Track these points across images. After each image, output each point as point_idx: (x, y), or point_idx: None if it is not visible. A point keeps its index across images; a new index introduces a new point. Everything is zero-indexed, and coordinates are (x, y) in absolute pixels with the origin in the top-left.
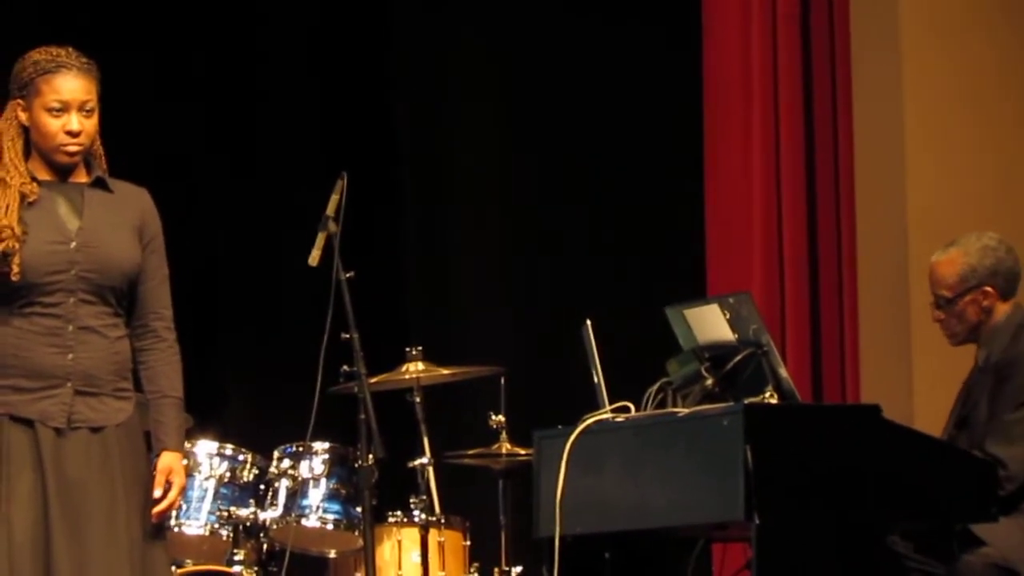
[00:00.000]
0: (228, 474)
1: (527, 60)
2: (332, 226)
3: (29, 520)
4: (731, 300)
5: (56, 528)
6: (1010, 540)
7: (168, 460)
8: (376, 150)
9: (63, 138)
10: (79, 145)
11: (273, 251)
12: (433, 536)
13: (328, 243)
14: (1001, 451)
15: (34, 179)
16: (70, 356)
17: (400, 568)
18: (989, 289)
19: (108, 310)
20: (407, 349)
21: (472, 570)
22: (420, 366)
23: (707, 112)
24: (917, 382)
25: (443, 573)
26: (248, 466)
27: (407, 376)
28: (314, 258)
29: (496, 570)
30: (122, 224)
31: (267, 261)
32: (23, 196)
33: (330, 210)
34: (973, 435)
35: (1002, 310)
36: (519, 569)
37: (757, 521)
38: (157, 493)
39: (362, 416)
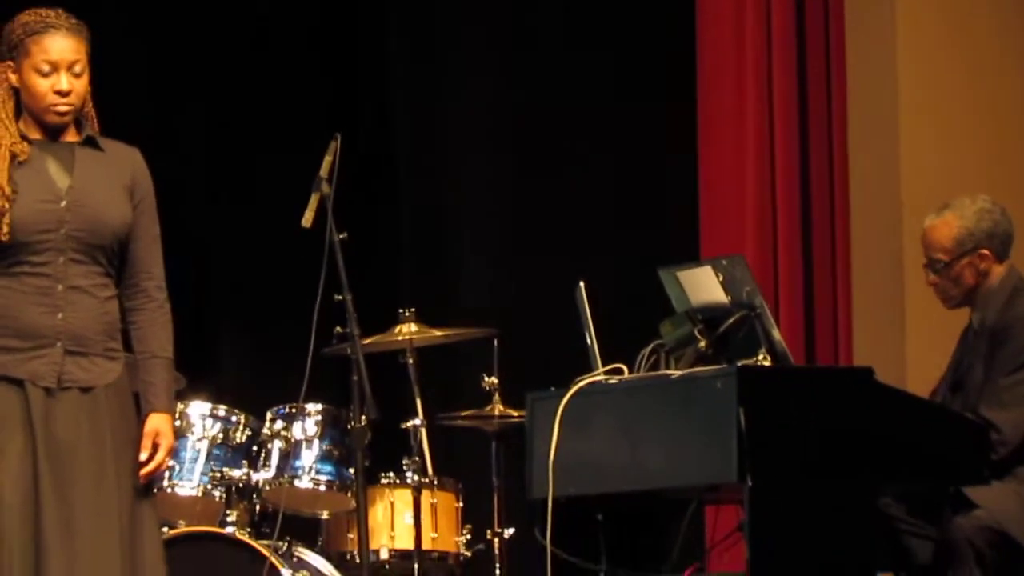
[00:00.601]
0: (221, 435)
1: (523, 24)
2: (325, 187)
3: (20, 481)
4: (724, 262)
5: (45, 488)
6: (1003, 503)
7: (156, 422)
8: (370, 112)
9: (53, 98)
10: (69, 105)
11: (266, 212)
12: (426, 497)
13: (321, 204)
14: (995, 415)
15: (24, 138)
16: (60, 316)
17: (393, 529)
18: (986, 252)
19: (98, 270)
20: (400, 311)
21: (465, 531)
22: (413, 327)
23: (700, 78)
24: (910, 345)
25: (436, 534)
26: (241, 427)
27: (400, 338)
28: (307, 219)
29: (489, 531)
30: (113, 183)
31: (260, 222)
32: (13, 155)
33: (323, 171)
34: (967, 398)
35: (997, 272)
36: (512, 530)
37: (750, 483)
38: (143, 456)
39: (355, 378)
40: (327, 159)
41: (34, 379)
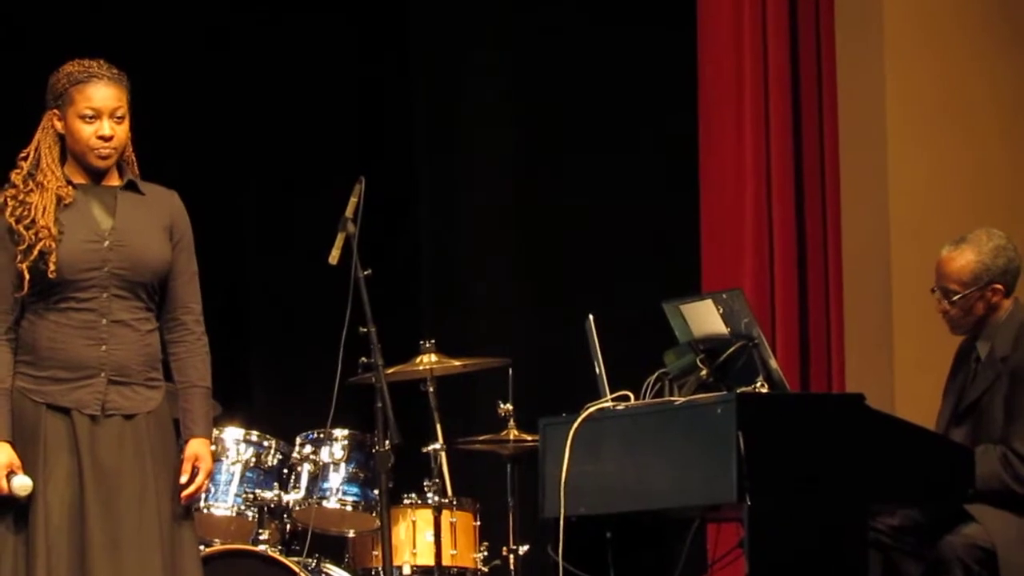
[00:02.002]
0: (253, 459)
1: (536, 64)
2: (350, 227)
3: (66, 503)
4: (724, 296)
5: (91, 510)
6: (997, 525)
7: (195, 447)
8: (394, 150)
9: (96, 143)
10: (111, 149)
11: (295, 249)
12: (446, 517)
13: (347, 243)
14: None
15: (69, 183)
16: (103, 348)
17: (415, 547)
18: (998, 287)
19: (140, 305)
20: (421, 342)
21: (482, 549)
22: (433, 358)
23: (702, 124)
24: (898, 372)
25: (455, 551)
26: (272, 451)
27: (421, 367)
28: (334, 257)
29: (504, 548)
30: (153, 224)
31: (290, 261)
32: (59, 198)
33: (349, 212)
34: (980, 430)
35: (1005, 306)
36: (526, 547)
37: (749, 503)
38: (184, 479)
39: (379, 405)
40: (352, 200)
41: (80, 407)
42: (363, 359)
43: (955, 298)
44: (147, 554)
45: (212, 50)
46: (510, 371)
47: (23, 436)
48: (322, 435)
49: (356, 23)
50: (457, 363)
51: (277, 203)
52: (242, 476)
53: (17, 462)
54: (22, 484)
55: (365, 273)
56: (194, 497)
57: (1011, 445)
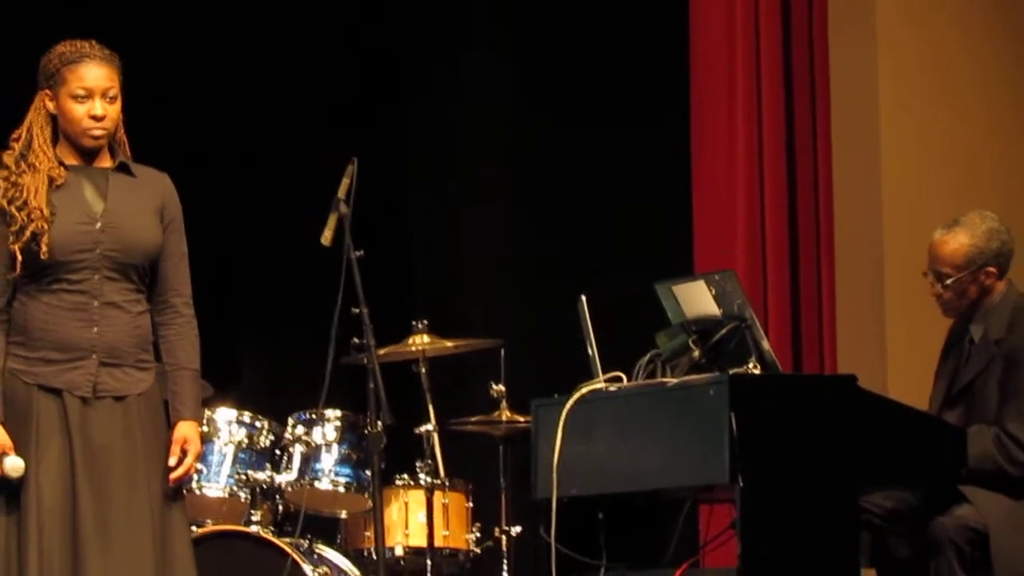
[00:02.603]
0: (246, 440)
1: (528, 45)
2: (343, 207)
3: (58, 484)
4: (717, 277)
5: (82, 490)
6: (990, 506)
7: (184, 429)
8: (385, 130)
9: (88, 122)
10: (103, 129)
11: (287, 230)
12: (438, 498)
13: (339, 223)
14: (1023, 433)
15: (61, 164)
16: (95, 330)
17: (407, 528)
18: (991, 269)
19: (131, 287)
20: (413, 323)
21: (474, 530)
22: (425, 339)
23: (694, 107)
24: (890, 353)
25: (447, 532)
26: (264, 432)
27: (413, 348)
28: (326, 238)
29: (497, 530)
30: (144, 206)
31: (281, 240)
32: (51, 180)
33: (341, 192)
34: (973, 412)
35: (999, 288)
36: (518, 529)
37: (741, 484)
38: (172, 461)
39: (371, 385)
40: (345, 181)
41: (71, 389)
42: (355, 340)
43: (948, 281)
44: (137, 535)
45: (203, 34)
46: (502, 352)
47: (15, 417)
48: (314, 416)
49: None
50: (449, 344)
51: (270, 183)
52: (234, 457)
53: (9, 443)
54: (14, 465)
55: (358, 254)
56: (183, 479)
57: (1005, 427)
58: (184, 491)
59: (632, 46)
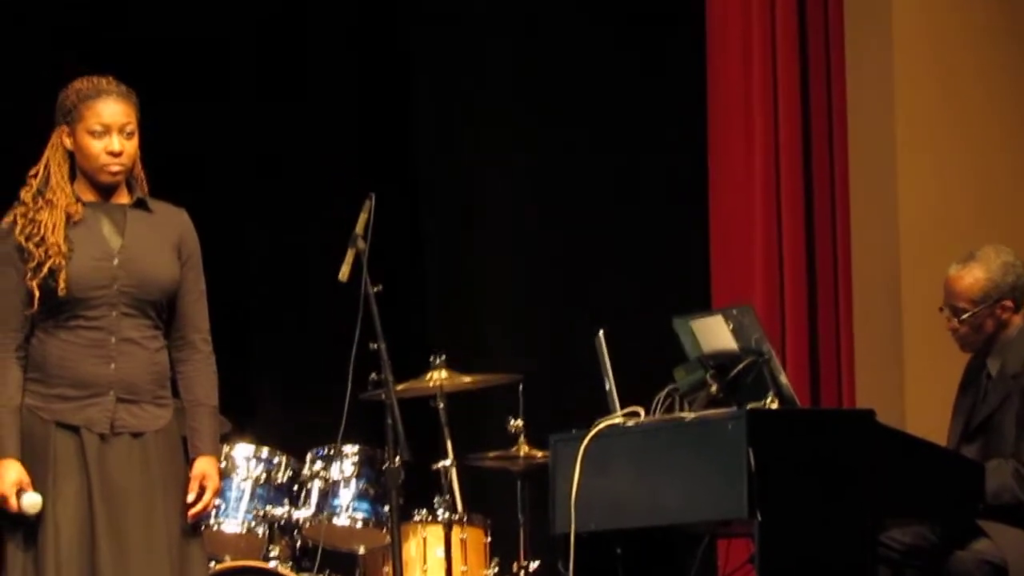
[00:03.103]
0: (264, 476)
1: (545, 79)
2: (360, 243)
3: (75, 521)
4: (734, 312)
5: (100, 527)
6: (1009, 541)
7: (202, 465)
8: (402, 167)
9: (106, 158)
10: (121, 165)
11: (305, 266)
12: (456, 533)
13: (357, 259)
14: None
15: (79, 200)
16: (112, 366)
17: (425, 563)
18: (1008, 303)
19: (148, 323)
20: (431, 358)
21: (492, 565)
22: (443, 374)
23: (711, 140)
24: (908, 388)
25: (465, 568)
26: (282, 468)
27: (431, 383)
28: (344, 274)
29: (515, 565)
30: (162, 242)
31: (299, 276)
32: (68, 216)
33: (359, 229)
34: (991, 446)
35: (1015, 322)
36: (536, 564)
37: (759, 518)
38: (190, 497)
39: (389, 421)
40: (362, 216)
41: (89, 426)
42: (373, 375)
43: (964, 316)
44: (156, 572)
45: (213, 67)
46: (520, 387)
47: (32, 454)
48: (332, 451)
49: (357, 48)
50: (467, 379)
51: (287, 219)
52: (252, 493)
53: (27, 479)
54: (32, 502)
55: (375, 289)
56: (201, 515)
57: (1023, 459)
58: (202, 527)
59: (650, 80)
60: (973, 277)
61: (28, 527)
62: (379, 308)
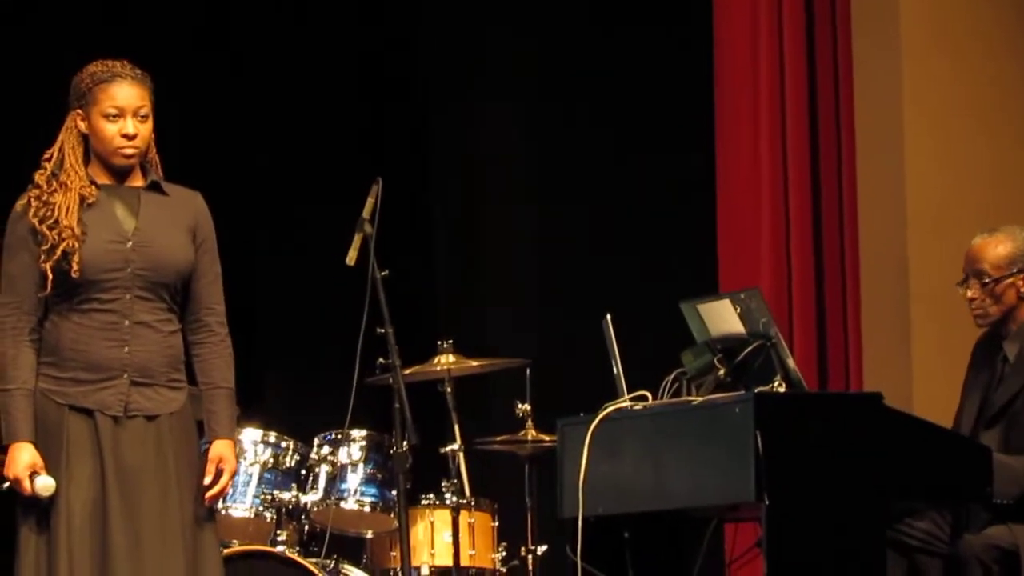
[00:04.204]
0: (271, 460)
1: (551, 66)
2: (367, 228)
3: (87, 504)
4: (742, 295)
5: (113, 512)
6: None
7: (219, 448)
8: (410, 152)
9: (120, 141)
10: (135, 148)
11: (312, 250)
12: (464, 517)
13: (364, 244)
14: None
15: (93, 183)
16: (126, 349)
17: (433, 547)
18: None
19: (162, 306)
20: (438, 342)
21: (500, 549)
22: (451, 358)
23: (719, 123)
24: (916, 372)
25: (473, 552)
26: (290, 453)
27: (439, 368)
28: (351, 258)
29: (523, 549)
30: (176, 225)
31: (306, 261)
32: (82, 198)
33: (366, 213)
34: (1012, 433)
35: None
36: (544, 548)
37: (767, 502)
38: (207, 480)
39: (397, 405)
40: (369, 201)
41: (103, 408)
42: (381, 360)
43: (987, 281)
44: (169, 556)
45: (222, 53)
46: (528, 371)
47: (45, 437)
48: (340, 436)
49: (363, 32)
50: (475, 363)
51: (294, 202)
52: (260, 477)
53: (40, 462)
54: (45, 484)
55: (382, 274)
56: (217, 498)
57: None
58: (216, 511)
59: (658, 70)
60: (1000, 243)
61: (41, 510)
62: (386, 292)
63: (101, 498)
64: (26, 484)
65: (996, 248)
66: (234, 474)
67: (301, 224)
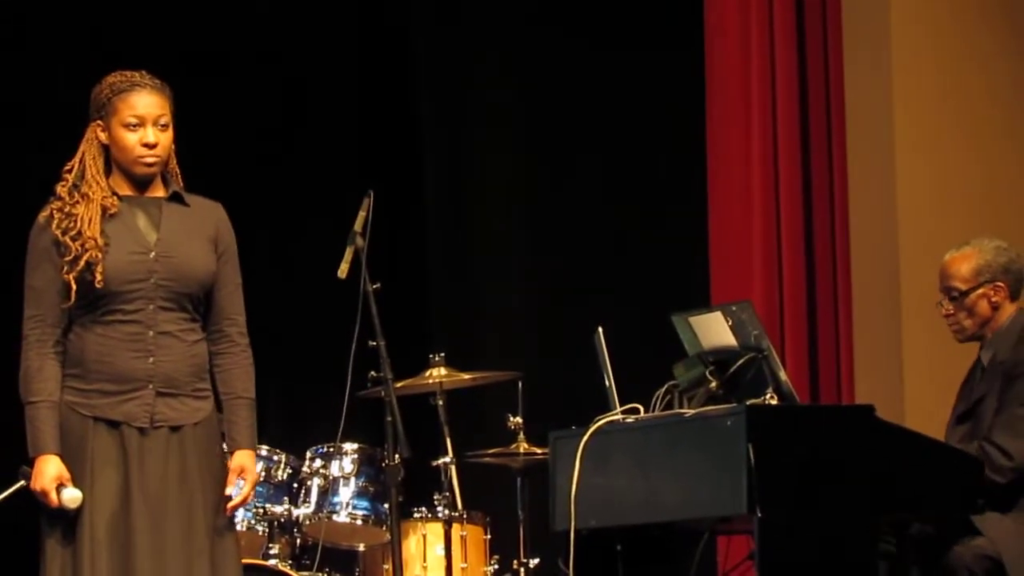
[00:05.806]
0: (264, 473)
1: (543, 76)
2: (359, 241)
3: (112, 517)
4: (733, 308)
5: (137, 523)
6: (1004, 536)
7: (241, 458)
8: (401, 165)
9: (141, 150)
10: (156, 157)
11: (304, 263)
12: (456, 530)
13: (356, 257)
14: (1007, 442)
15: (115, 194)
16: (151, 360)
17: (425, 561)
18: (1001, 284)
19: (185, 316)
20: (430, 355)
21: (492, 562)
22: (443, 371)
23: (710, 136)
24: (908, 383)
25: (465, 565)
26: (282, 466)
27: (430, 381)
28: (343, 271)
29: (515, 562)
30: (198, 235)
31: (298, 274)
32: (104, 209)
33: (357, 226)
34: (976, 428)
35: (1008, 311)
36: (536, 561)
37: (759, 515)
38: (230, 490)
39: (389, 418)
40: (361, 214)
41: (129, 420)
42: (372, 373)
43: (956, 295)
44: (194, 566)
45: (213, 71)
46: (519, 384)
47: (70, 450)
48: (332, 449)
49: (360, 39)
50: (466, 376)
51: (286, 216)
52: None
53: (67, 474)
54: (72, 496)
55: (374, 287)
56: (238, 508)
57: (991, 437)
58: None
59: (648, 78)
60: (966, 258)
61: (67, 522)
62: (378, 305)
63: (124, 511)
64: (53, 496)
65: (963, 263)
66: (256, 484)
67: (293, 237)
